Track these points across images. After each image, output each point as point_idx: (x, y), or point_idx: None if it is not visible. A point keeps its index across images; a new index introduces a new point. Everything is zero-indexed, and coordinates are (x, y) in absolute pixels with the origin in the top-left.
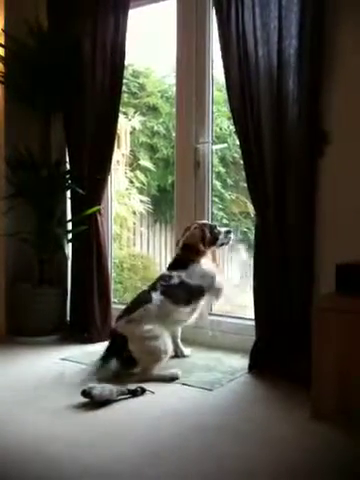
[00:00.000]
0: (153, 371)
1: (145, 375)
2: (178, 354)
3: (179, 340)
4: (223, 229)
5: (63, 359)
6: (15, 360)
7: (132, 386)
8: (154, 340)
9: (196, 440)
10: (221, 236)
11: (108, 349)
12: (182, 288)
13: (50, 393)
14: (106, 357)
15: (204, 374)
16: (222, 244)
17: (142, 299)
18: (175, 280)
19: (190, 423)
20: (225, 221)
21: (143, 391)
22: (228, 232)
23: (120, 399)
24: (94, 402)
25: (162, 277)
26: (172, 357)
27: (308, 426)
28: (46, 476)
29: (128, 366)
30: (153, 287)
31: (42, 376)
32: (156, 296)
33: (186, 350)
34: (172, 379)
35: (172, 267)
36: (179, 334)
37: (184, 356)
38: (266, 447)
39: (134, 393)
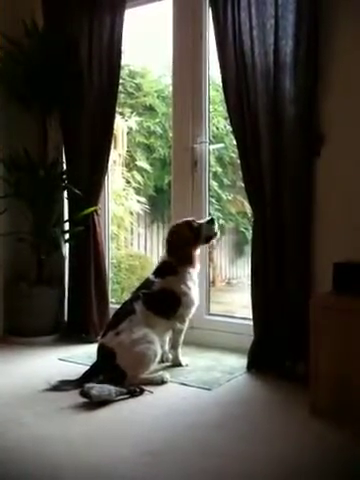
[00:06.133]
0: (141, 376)
1: (134, 380)
2: (174, 363)
3: (179, 349)
4: (203, 220)
5: (61, 359)
6: (13, 360)
7: (131, 386)
8: (144, 346)
9: (195, 439)
10: (203, 230)
11: (95, 366)
12: (164, 298)
13: (48, 393)
14: (91, 374)
15: (203, 373)
16: (209, 238)
17: (126, 311)
18: (156, 287)
19: (189, 422)
20: (222, 221)
21: (141, 391)
22: (210, 222)
23: (119, 399)
24: (93, 402)
25: (145, 284)
26: (169, 366)
27: (307, 423)
28: (45, 476)
29: (116, 382)
30: (135, 296)
31: (40, 376)
32: (139, 307)
33: (183, 359)
34: (161, 382)
35: (158, 272)
36: (180, 343)
37: (179, 365)
38: (266, 445)
39: (133, 393)
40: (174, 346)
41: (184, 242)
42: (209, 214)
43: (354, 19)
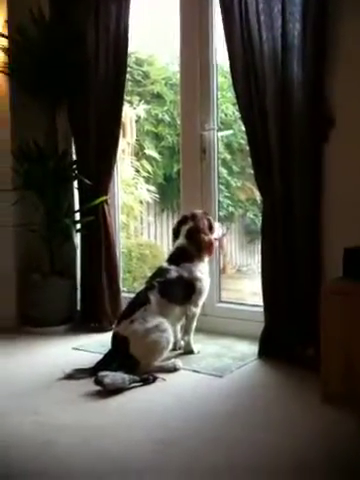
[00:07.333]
0: (154, 363)
1: (146, 368)
2: (186, 350)
3: (191, 335)
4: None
5: (75, 349)
6: (27, 350)
7: (144, 374)
8: (157, 334)
9: (207, 427)
10: (216, 226)
11: (109, 354)
12: (179, 284)
13: (62, 382)
14: (107, 362)
15: (214, 360)
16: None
17: (140, 300)
18: (172, 275)
19: (201, 410)
20: (231, 208)
21: (154, 379)
22: (219, 227)
23: (132, 387)
24: (106, 390)
25: (159, 272)
26: (181, 353)
27: (318, 410)
28: (59, 464)
29: (129, 370)
30: (150, 286)
31: (54, 365)
32: (153, 296)
33: (195, 346)
34: (173, 370)
35: (174, 259)
36: (192, 329)
37: (191, 352)
38: (278, 433)
39: (146, 381)
40: (187, 332)
41: (205, 229)
42: (218, 201)
43: None
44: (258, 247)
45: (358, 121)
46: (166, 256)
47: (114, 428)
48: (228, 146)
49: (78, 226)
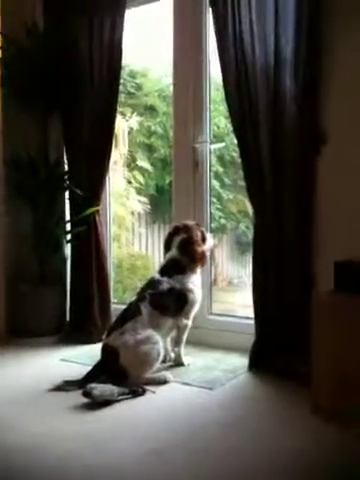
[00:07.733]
0: (144, 375)
1: (136, 380)
2: (176, 362)
3: (182, 347)
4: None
5: (63, 360)
6: (15, 361)
7: (133, 386)
8: (148, 346)
9: (197, 438)
10: (208, 237)
11: (98, 365)
12: (171, 296)
13: (51, 394)
14: (96, 374)
15: (204, 373)
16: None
17: (131, 312)
18: (164, 286)
19: (191, 421)
20: (223, 221)
21: (144, 391)
22: (211, 237)
23: (121, 399)
24: (95, 402)
25: (151, 284)
26: (171, 366)
27: (308, 423)
28: (49, 477)
29: (119, 382)
30: (141, 297)
31: (42, 377)
32: (145, 308)
33: (185, 359)
34: (163, 382)
35: (166, 270)
36: (183, 340)
37: (182, 364)
38: (268, 445)
39: (135, 393)
40: (177, 344)
41: (198, 241)
42: (210, 214)
43: (355, 17)
44: (250, 259)
45: (350, 135)
46: (157, 267)
47: (105, 439)
48: (220, 159)
49: (69, 236)
